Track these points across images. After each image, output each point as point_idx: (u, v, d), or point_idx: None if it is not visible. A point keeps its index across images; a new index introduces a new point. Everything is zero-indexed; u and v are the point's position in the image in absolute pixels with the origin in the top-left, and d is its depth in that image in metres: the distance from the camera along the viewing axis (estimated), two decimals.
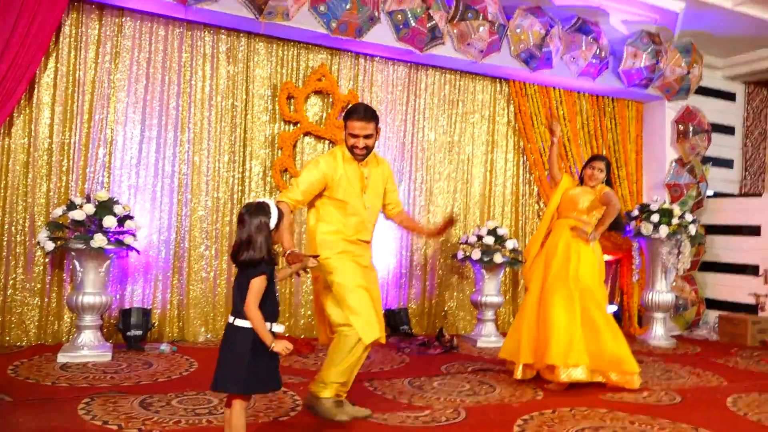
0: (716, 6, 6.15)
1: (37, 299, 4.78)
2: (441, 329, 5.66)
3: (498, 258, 5.60)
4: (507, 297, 6.57)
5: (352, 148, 3.31)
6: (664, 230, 6.01)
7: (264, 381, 2.56)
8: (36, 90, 4.79)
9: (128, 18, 5.06)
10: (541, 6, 6.07)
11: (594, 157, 4.62)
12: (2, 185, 4.71)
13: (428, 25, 5.56)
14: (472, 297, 5.89)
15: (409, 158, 6.17)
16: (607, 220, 4.40)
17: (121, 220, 4.42)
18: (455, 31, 5.76)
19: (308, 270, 3.02)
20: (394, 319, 5.77)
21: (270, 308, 2.57)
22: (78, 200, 4.37)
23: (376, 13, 5.42)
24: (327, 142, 5.77)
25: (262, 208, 2.60)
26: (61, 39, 4.86)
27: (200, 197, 5.31)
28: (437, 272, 6.27)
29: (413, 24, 5.52)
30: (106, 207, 4.37)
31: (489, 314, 5.81)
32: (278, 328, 2.60)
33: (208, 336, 5.30)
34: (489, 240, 5.75)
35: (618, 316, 6.87)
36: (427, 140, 6.25)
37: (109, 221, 4.30)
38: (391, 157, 6.06)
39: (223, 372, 2.55)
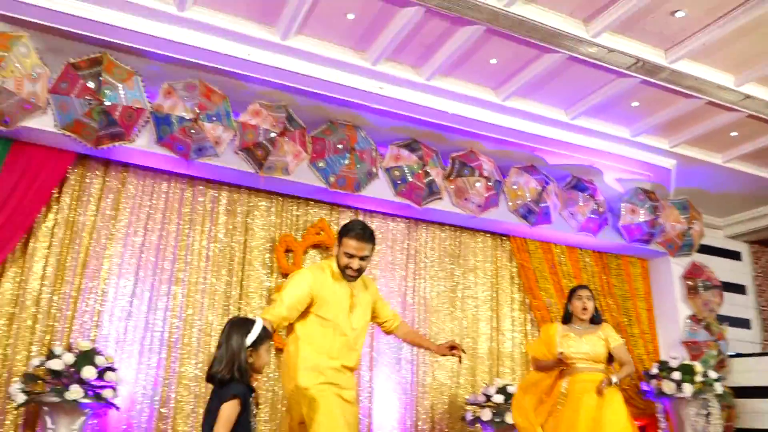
0: (706, 162, 6.32)
1: None
2: None
3: (510, 418, 5.14)
4: None
5: (345, 268, 3.17)
6: (688, 388, 5.58)
7: None
8: (33, 240, 4.77)
9: (132, 173, 5.21)
10: (535, 165, 6.25)
11: (578, 287, 4.41)
12: None
13: (425, 180, 5.69)
14: None
15: (411, 315, 5.95)
16: (625, 375, 4.11)
17: (102, 372, 4.14)
18: (452, 186, 5.88)
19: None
20: None
21: None
22: (58, 350, 4.13)
23: (374, 169, 5.57)
24: None
25: (244, 323, 2.43)
26: (63, 191, 4.96)
27: (191, 352, 5.05)
28: None
29: (410, 179, 5.66)
30: (87, 357, 4.12)
31: None
32: None
33: None
34: (498, 398, 5.34)
35: None
36: (429, 296, 6.09)
37: (89, 372, 4.02)
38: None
39: None
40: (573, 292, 4.35)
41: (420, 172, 5.67)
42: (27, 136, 4.66)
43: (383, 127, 5.67)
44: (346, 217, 5.91)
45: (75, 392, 3.91)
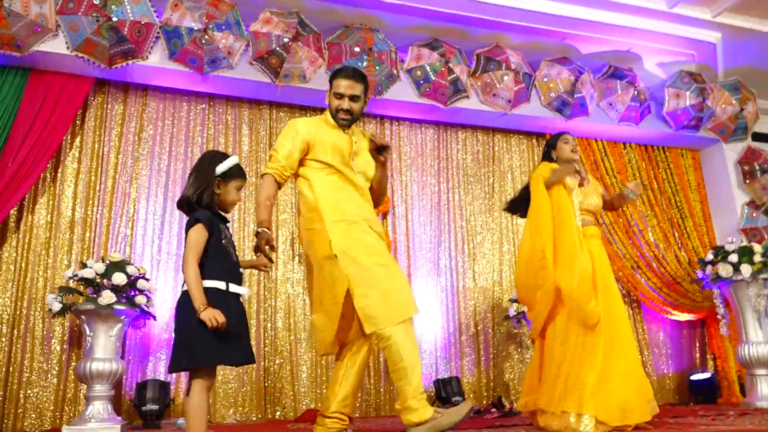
0: (755, 32, 5.83)
1: (55, 380, 4.48)
2: (500, 397, 4.93)
3: None
4: None
5: (336, 112, 3.04)
6: (746, 269, 5.23)
7: (223, 351, 2.11)
8: (60, 167, 4.85)
9: (151, 96, 5.20)
10: (566, 56, 5.92)
11: (559, 134, 3.87)
12: (24, 262, 4.62)
13: (449, 78, 5.46)
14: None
15: (447, 222, 5.79)
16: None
17: (134, 281, 4.18)
18: (479, 83, 5.63)
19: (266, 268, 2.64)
20: (444, 390, 5.08)
21: (223, 267, 2.19)
22: (90, 262, 4.19)
23: (395, 71, 5.38)
24: None
25: (217, 154, 2.37)
26: (87, 117, 4.99)
27: None
28: (491, 340, 5.61)
29: (433, 78, 5.44)
30: (117, 266, 4.16)
31: None
32: (240, 290, 2.21)
33: (237, 418, 4.77)
34: None
35: (715, 386, 5.88)
36: (464, 203, 5.90)
37: (119, 278, 4.06)
38: (427, 222, 5.71)
39: (175, 350, 2.14)
40: (557, 138, 3.82)
41: (443, 69, 5.44)
42: (43, 62, 4.68)
43: (402, 27, 5.46)
44: (371, 127, 5.77)
45: (107, 297, 3.96)
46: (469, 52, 5.65)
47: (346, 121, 3.05)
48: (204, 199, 2.23)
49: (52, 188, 4.81)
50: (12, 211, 4.62)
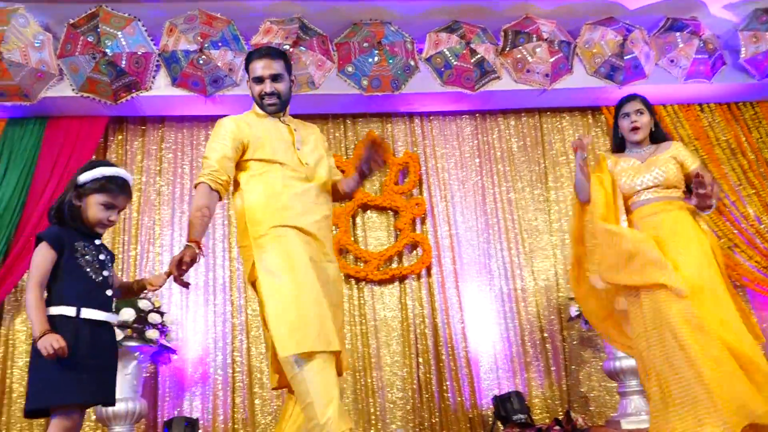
0: None
1: None
2: (568, 411, 4.25)
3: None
4: None
5: (261, 99, 2.67)
6: None
7: (58, 388, 1.76)
8: None
9: (168, 126, 5.12)
10: (613, 16, 5.20)
11: (622, 100, 3.18)
12: None
13: (472, 60, 4.94)
14: (605, 365, 4.44)
15: (495, 218, 5.20)
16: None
17: (144, 314, 4.01)
18: (509, 61, 5.06)
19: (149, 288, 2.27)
20: (504, 408, 4.46)
21: (75, 290, 1.88)
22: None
23: (412, 62, 4.95)
24: (390, 212, 5.09)
25: (88, 164, 2.08)
26: (107, 157, 4.98)
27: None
28: (561, 347, 4.91)
29: (455, 63, 4.95)
30: (126, 301, 4.01)
31: (633, 384, 4.27)
32: (97, 314, 1.88)
33: None
34: None
35: None
36: (514, 194, 5.29)
37: (127, 314, 3.91)
38: (472, 221, 5.15)
39: (28, 388, 1.84)
40: (618, 108, 3.20)
41: (464, 52, 4.94)
42: (56, 108, 4.73)
43: (416, 15, 5.02)
44: (400, 128, 5.35)
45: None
46: (495, 30, 5.12)
47: (275, 105, 2.67)
48: (65, 211, 1.94)
49: None
50: None
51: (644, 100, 3.17)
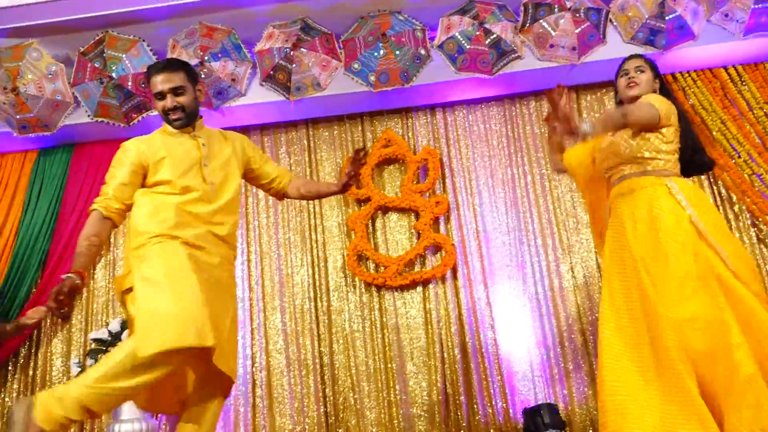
0: None
1: None
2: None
3: None
4: None
5: (166, 115, 2.50)
6: None
7: None
8: (112, 232, 4.97)
9: None
10: None
11: (626, 59, 2.85)
12: (86, 324, 4.75)
13: (487, 41, 4.53)
14: None
15: (528, 212, 4.74)
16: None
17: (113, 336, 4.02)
18: (530, 37, 4.59)
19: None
20: (533, 421, 4.02)
21: None
22: (112, 322, 4.14)
23: (423, 51, 4.62)
24: (411, 213, 4.79)
25: None
26: None
27: (276, 305, 4.69)
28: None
29: (468, 46, 4.56)
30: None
31: None
32: None
33: None
34: None
35: None
36: (548, 184, 4.80)
37: (102, 334, 3.93)
38: (502, 217, 4.73)
39: None
40: (618, 70, 2.84)
41: (477, 33, 4.53)
42: (80, 135, 4.89)
43: (425, 0, 4.69)
44: (422, 122, 5.03)
45: None
46: (516, 7, 4.66)
47: (180, 120, 2.50)
48: None
49: (107, 254, 4.94)
50: None
51: (649, 60, 2.82)
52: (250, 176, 2.73)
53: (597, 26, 4.52)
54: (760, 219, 4.47)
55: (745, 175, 4.52)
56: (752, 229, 4.57)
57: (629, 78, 2.74)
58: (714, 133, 4.62)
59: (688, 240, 2.36)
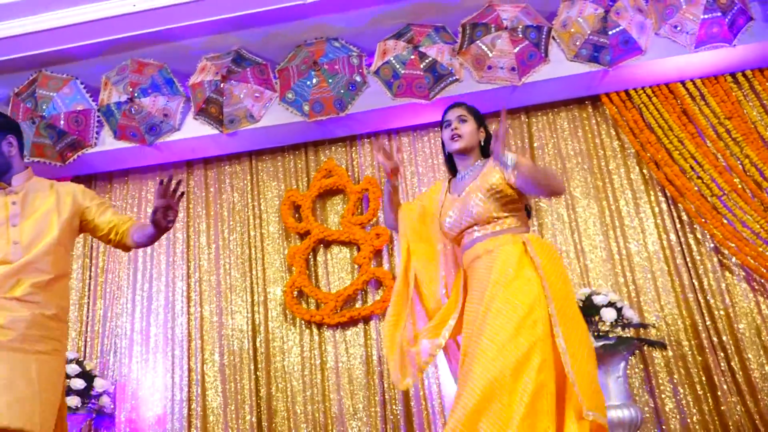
0: None
1: None
2: None
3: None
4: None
5: None
6: None
7: None
8: None
9: (131, 179, 5.02)
10: None
11: (447, 108, 2.60)
12: None
13: (422, 65, 4.34)
14: None
15: None
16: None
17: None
18: (468, 59, 4.38)
19: None
20: None
21: None
22: None
23: (359, 78, 4.46)
24: (354, 246, 4.59)
25: None
26: None
27: (215, 348, 4.52)
28: None
29: (403, 71, 4.38)
30: None
31: None
32: None
33: None
34: (608, 315, 3.59)
35: None
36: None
37: None
38: None
39: None
40: (443, 117, 2.61)
41: (412, 57, 4.35)
42: None
43: (364, 24, 4.48)
44: (367, 150, 4.86)
45: None
46: (455, 29, 4.47)
47: None
48: None
49: None
50: None
51: (472, 108, 2.59)
52: (87, 228, 2.52)
53: (537, 45, 4.30)
54: (722, 245, 4.12)
55: (707, 198, 4.21)
56: (715, 256, 4.23)
57: (452, 130, 2.51)
58: (672, 152, 4.32)
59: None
